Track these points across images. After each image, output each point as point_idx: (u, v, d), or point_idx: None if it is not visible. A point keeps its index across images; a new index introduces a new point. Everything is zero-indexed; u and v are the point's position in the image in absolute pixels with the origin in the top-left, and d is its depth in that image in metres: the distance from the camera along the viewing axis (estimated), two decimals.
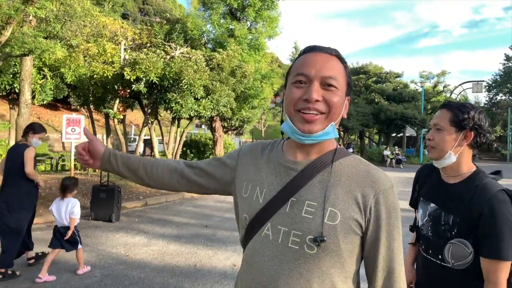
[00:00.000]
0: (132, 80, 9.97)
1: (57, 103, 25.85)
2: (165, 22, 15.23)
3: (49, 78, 11.86)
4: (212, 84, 11.09)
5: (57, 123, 23.78)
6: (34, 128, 4.35)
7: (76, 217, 4.12)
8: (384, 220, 0.97)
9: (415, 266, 1.77)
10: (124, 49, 12.20)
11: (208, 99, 11.06)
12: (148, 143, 17.05)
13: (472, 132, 1.50)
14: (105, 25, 13.70)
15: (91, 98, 12.49)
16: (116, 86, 10.83)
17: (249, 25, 16.17)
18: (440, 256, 1.51)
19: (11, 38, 8.16)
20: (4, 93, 11.91)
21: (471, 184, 1.48)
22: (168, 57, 11.21)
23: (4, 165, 4.28)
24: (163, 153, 15.00)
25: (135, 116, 27.55)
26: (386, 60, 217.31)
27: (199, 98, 10.76)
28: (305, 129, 0.97)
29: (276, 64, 29.94)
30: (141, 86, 10.24)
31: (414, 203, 1.78)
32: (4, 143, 12.20)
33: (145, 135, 14.55)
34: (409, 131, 31.40)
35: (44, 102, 12.28)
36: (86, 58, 11.73)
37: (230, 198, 1.28)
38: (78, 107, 18.44)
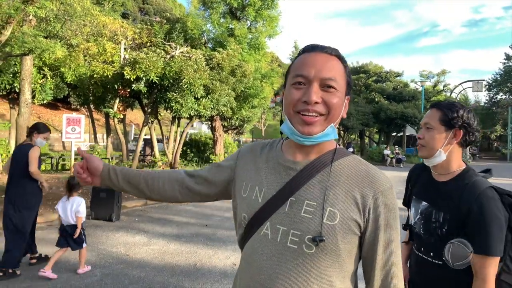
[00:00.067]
0: (132, 80, 9.98)
1: (57, 103, 25.86)
2: (165, 21, 15.23)
3: (49, 77, 11.88)
4: (212, 84, 11.09)
5: (57, 122, 23.75)
6: (39, 128, 4.37)
7: (82, 215, 4.16)
8: (382, 221, 0.97)
9: (408, 264, 1.80)
10: (124, 48, 12.21)
11: (208, 98, 11.06)
12: (148, 142, 17.05)
13: (461, 131, 1.53)
14: (105, 25, 13.71)
15: (91, 98, 12.52)
16: (116, 86, 10.84)
17: (249, 24, 16.17)
18: (432, 254, 1.54)
19: (11, 38, 8.16)
20: (4, 93, 11.92)
21: (460, 182, 1.51)
22: (168, 56, 11.22)
23: (10, 165, 4.30)
24: (163, 153, 15.02)
25: (135, 115, 27.55)
26: (386, 59, 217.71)
27: (199, 97, 10.77)
28: (305, 131, 0.97)
29: (276, 64, 29.93)
30: (141, 86, 10.25)
31: (407, 202, 1.81)
32: (4, 143, 12.20)
33: (145, 135, 14.56)
34: (409, 131, 31.39)
35: (44, 102, 12.30)
36: (86, 58, 11.74)
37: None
38: (78, 106, 18.49)
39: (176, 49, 12.00)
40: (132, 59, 10.20)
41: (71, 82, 11.75)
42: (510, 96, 40.82)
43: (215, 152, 14.69)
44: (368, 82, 38.55)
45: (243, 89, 12.73)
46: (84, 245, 4.24)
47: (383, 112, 26.87)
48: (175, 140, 13.96)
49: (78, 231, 4.10)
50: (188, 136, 16.09)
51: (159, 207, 8.20)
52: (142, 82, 10.23)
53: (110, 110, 12.09)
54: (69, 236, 4.11)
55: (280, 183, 1.03)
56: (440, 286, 1.53)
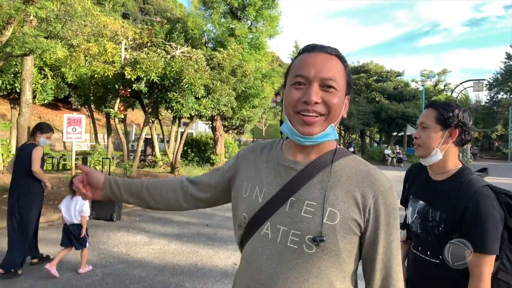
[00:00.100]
0: (132, 80, 9.99)
1: (58, 103, 25.90)
2: (165, 21, 15.20)
3: (50, 77, 11.88)
4: (213, 84, 11.09)
5: (58, 122, 23.78)
6: (42, 128, 4.41)
7: (86, 215, 4.18)
8: (383, 221, 0.97)
9: (406, 263, 1.81)
10: (125, 48, 12.21)
11: (209, 98, 11.06)
12: (149, 142, 17.07)
13: (457, 130, 1.55)
14: (106, 25, 13.70)
15: (92, 98, 12.51)
16: (116, 86, 10.85)
17: (250, 24, 16.15)
18: (429, 253, 1.55)
19: (12, 38, 8.16)
20: (5, 93, 11.92)
21: (457, 180, 1.52)
22: (169, 56, 11.21)
23: (14, 164, 4.31)
24: (164, 152, 15.02)
25: (136, 115, 27.56)
26: (387, 59, 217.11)
27: (199, 97, 10.76)
28: (305, 131, 0.97)
29: (276, 63, 29.96)
30: (142, 86, 10.25)
31: (404, 202, 1.82)
32: (5, 143, 12.21)
33: (146, 134, 14.56)
34: (410, 130, 31.33)
35: (45, 102, 12.30)
36: (86, 58, 11.74)
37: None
38: (79, 106, 18.49)
39: (176, 49, 11.99)
40: (133, 59, 10.21)
41: (72, 82, 11.75)
42: (511, 96, 40.76)
43: (216, 152, 14.69)
44: (369, 81, 38.53)
45: (243, 89, 12.72)
46: (87, 245, 4.26)
47: (383, 112, 26.86)
48: (175, 140, 13.97)
49: (83, 230, 4.13)
50: (189, 136, 16.09)
51: None
52: (143, 82, 10.23)
53: (111, 110, 12.10)
54: (72, 236, 4.13)
55: (280, 183, 1.03)
56: (438, 284, 1.54)
